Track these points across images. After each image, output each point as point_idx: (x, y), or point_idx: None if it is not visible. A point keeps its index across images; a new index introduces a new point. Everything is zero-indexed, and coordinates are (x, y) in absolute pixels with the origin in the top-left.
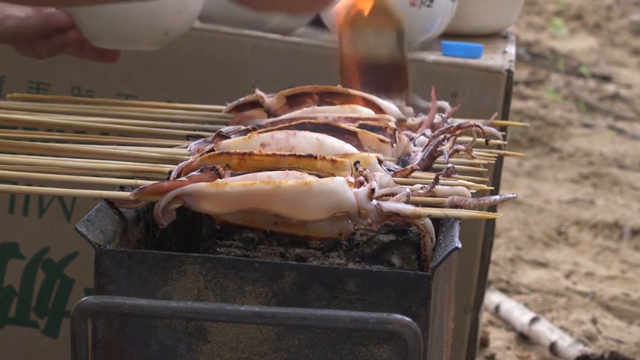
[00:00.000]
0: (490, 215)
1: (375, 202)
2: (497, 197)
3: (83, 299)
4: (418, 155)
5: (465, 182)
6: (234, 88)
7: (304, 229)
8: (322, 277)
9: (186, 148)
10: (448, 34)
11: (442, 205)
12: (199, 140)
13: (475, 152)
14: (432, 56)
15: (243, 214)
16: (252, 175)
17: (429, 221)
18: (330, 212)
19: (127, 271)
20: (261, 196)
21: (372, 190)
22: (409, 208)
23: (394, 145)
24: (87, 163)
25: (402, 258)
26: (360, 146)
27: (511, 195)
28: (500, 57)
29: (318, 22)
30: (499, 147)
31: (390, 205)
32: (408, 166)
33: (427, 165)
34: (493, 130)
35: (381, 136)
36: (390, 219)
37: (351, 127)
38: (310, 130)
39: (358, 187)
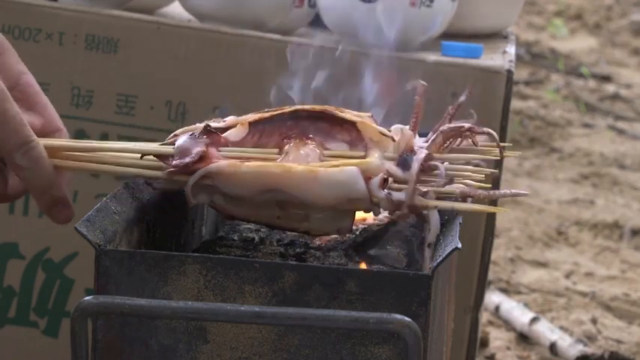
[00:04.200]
0: (498, 209)
1: (386, 191)
2: (507, 191)
3: (83, 299)
4: (421, 152)
5: (468, 181)
6: (234, 88)
7: (305, 223)
8: (322, 277)
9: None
10: (448, 34)
11: (452, 195)
12: (187, 136)
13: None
14: (432, 56)
15: (249, 207)
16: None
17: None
18: (341, 199)
19: (127, 271)
20: (273, 178)
21: (385, 180)
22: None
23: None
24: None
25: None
26: (359, 139)
27: (523, 191)
28: (500, 57)
29: (318, 22)
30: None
31: (400, 195)
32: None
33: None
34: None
35: (383, 129)
36: (400, 208)
37: (351, 116)
38: (305, 119)
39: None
